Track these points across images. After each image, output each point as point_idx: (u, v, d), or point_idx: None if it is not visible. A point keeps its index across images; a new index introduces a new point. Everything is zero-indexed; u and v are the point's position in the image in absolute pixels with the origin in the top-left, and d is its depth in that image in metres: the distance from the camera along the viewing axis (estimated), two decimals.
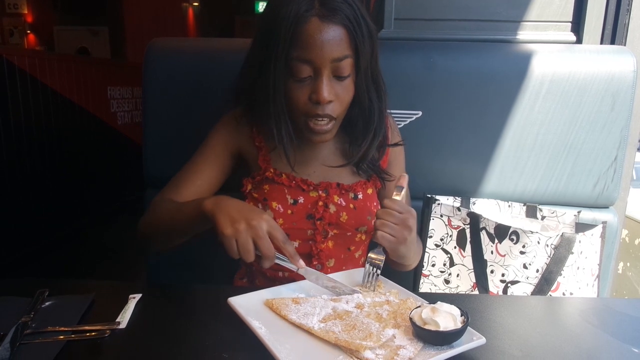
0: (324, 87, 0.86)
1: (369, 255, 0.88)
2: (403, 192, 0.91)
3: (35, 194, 3.34)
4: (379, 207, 1.05)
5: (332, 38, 0.84)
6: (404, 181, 0.94)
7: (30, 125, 3.28)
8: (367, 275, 0.87)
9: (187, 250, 1.29)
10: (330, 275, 0.87)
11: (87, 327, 0.73)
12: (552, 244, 1.10)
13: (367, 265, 0.87)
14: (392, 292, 0.83)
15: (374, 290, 0.86)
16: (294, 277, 0.99)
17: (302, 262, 0.82)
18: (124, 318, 0.76)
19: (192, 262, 1.31)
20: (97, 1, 6.83)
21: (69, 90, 3.73)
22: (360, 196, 1.02)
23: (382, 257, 0.87)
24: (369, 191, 1.04)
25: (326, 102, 0.88)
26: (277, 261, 0.80)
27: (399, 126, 1.26)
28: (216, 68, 1.24)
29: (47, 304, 0.80)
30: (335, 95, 0.89)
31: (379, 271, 0.87)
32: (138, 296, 0.83)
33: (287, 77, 0.88)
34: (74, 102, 3.80)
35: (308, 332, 0.71)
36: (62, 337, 0.71)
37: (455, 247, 1.24)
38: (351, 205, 1.00)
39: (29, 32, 6.88)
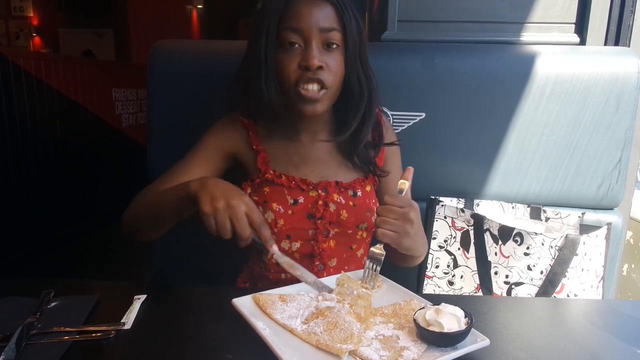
0: (313, 53, 0.90)
1: (370, 249, 0.89)
2: (407, 186, 0.91)
3: (40, 194, 3.36)
4: (378, 204, 1.06)
5: (321, 10, 0.91)
6: (409, 174, 0.93)
7: (36, 127, 3.30)
8: (366, 271, 0.88)
9: (191, 253, 1.30)
10: (325, 279, 0.89)
11: (92, 328, 0.74)
12: (556, 246, 1.10)
13: (367, 261, 0.88)
14: (356, 285, 0.84)
15: (373, 287, 0.86)
16: (294, 278, 1.00)
17: (275, 248, 0.84)
18: (129, 319, 0.76)
19: (195, 265, 1.31)
20: (102, 3, 6.85)
21: (74, 92, 3.75)
22: (359, 193, 1.02)
23: (383, 253, 0.88)
24: (368, 188, 1.05)
25: (315, 67, 0.91)
26: (253, 242, 0.82)
27: (403, 127, 1.26)
28: (220, 70, 1.25)
29: (52, 304, 0.81)
30: (324, 63, 0.92)
31: (378, 267, 0.88)
32: (143, 297, 0.84)
33: (278, 49, 0.93)
34: (79, 103, 3.81)
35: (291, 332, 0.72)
36: (67, 337, 0.71)
37: (459, 249, 1.23)
38: (350, 203, 1.01)
39: (34, 34, 6.91)
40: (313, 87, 0.92)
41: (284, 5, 0.90)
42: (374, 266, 0.88)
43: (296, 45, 0.91)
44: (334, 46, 0.93)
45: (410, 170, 0.94)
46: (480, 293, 1.18)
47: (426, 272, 1.26)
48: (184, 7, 7.26)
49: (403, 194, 0.90)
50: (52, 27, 6.92)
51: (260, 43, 0.92)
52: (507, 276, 1.14)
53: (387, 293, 0.86)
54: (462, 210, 1.21)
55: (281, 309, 0.77)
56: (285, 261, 0.86)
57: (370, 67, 1.01)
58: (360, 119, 1.00)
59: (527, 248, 1.11)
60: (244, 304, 0.77)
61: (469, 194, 1.30)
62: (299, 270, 0.86)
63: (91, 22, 6.86)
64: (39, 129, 3.33)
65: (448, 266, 1.25)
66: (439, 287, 1.26)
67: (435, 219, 1.26)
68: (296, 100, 0.94)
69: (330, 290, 0.84)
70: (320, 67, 0.91)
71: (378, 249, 0.88)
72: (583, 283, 1.13)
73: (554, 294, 1.11)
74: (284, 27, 0.91)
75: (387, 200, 0.88)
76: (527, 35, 1.41)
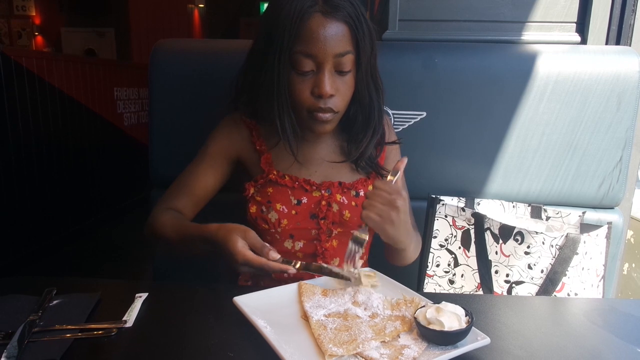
0: (326, 81, 0.89)
1: (353, 232, 0.88)
2: (398, 176, 0.91)
3: (42, 193, 3.37)
4: None
5: (335, 34, 0.87)
6: (401, 165, 0.92)
7: (38, 126, 3.31)
8: (349, 253, 0.87)
9: None
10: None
11: (94, 326, 0.74)
12: (556, 245, 1.10)
13: (350, 243, 0.87)
14: (414, 304, 0.79)
15: (354, 270, 0.86)
16: (300, 276, 1.00)
17: (292, 270, 0.84)
18: (131, 317, 0.77)
19: (197, 263, 1.31)
20: (104, 3, 6.86)
21: (75, 91, 3.75)
22: (362, 193, 1.03)
23: (366, 237, 0.87)
24: (370, 188, 1.04)
25: (328, 96, 0.90)
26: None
27: (404, 127, 1.27)
28: (221, 69, 1.25)
29: (54, 302, 0.81)
30: (336, 90, 0.91)
31: (360, 250, 0.87)
32: (144, 295, 0.84)
33: (290, 71, 0.90)
34: (80, 103, 3.82)
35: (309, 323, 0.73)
36: (69, 335, 0.72)
37: (459, 248, 1.23)
38: (353, 203, 1.01)
39: (36, 33, 6.92)
40: (325, 114, 0.93)
41: (298, 26, 0.86)
42: (356, 248, 0.87)
43: (309, 72, 0.90)
44: (347, 70, 0.91)
45: (404, 160, 0.93)
46: (480, 292, 1.18)
47: (427, 271, 1.26)
48: (185, 6, 7.27)
49: (393, 182, 0.89)
50: (54, 26, 6.94)
51: (273, 62, 0.90)
52: (507, 275, 1.14)
53: (387, 292, 0.86)
54: (463, 209, 1.21)
55: (315, 300, 0.79)
56: (312, 270, 0.87)
57: (379, 75, 0.99)
58: (370, 136, 1.01)
59: (528, 247, 1.11)
60: (245, 302, 0.78)
61: (470, 193, 1.30)
62: (331, 270, 0.86)
63: (93, 21, 6.88)
64: (40, 128, 3.34)
65: (449, 265, 1.25)
66: (439, 285, 1.26)
67: (436, 218, 1.26)
68: (307, 121, 0.95)
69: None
70: (332, 95, 0.91)
71: (361, 232, 0.88)
72: (583, 282, 1.13)
73: (555, 293, 1.11)
74: (297, 51, 0.88)
75: (377, 184, 0.87)
76: (528, 35, 1.41)
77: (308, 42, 0.87)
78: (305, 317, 0.76)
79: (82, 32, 6.95)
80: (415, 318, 0.70)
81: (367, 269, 0.93)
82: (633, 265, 1.79)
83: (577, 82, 1.22)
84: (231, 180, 1.07)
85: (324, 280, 0.88)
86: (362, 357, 0.65)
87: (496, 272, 1.16)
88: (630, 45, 1.38)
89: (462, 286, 1.23)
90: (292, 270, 0.83)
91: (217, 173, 1.04)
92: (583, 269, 1.12)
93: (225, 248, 0.82)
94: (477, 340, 0.67)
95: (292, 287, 0.86)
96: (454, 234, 1.24)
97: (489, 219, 1.17)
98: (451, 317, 0.68)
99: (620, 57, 1.23)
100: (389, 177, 0.91)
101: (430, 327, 0.68)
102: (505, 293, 1.14)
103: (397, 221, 0.87)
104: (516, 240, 1.12)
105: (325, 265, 0.88)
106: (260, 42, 0.95)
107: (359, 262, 0.88)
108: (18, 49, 5.39)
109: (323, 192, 1.00)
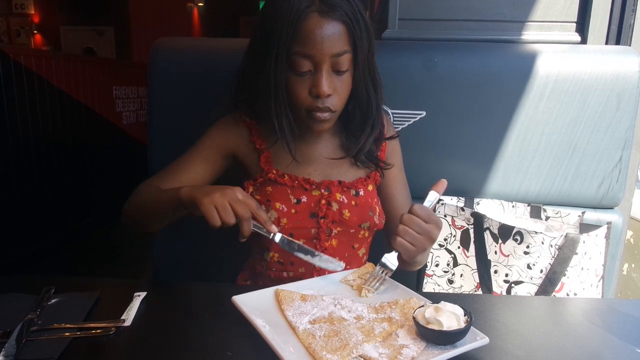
0: (323, 81, 0.89)
1: (385, 256, 0.87)
2: (435, 197, 0.89)
3: (41, 192, 3.36)
4: (379, 203, 1.06)
5: (332, 34, 0.87)
6: (441, 188, 0.90)
7: (37, 125, 3.30)
8: (374, 277, 0.86)
9: (192, 251, 1.30)
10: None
11: (92, 325, 0.74)
12: (556, 245, 1.10)
13: (378, 267, 0.87)
14: (398, 305, 0.79)
15: (374, 292, 0.84)
16: (299, 276, 1.00)
17: (274, 228, 0.86)
18: (129, 316, 0.77)
19: (196, 263, 1.31)
20: (103, 1, 6.86)
21: (74, 90, 3.75)
22: (361, 193, 1.03)
23: (396, 263, 0.86)
24: (370, 187, 1.05)
25: (325, 96, 0.90)
26: (253, 228, 0.84)
27: (403, 126, 1.27)
28: (221, 68, 1.25)
29: (53, 301, 0.81)
30: (334, 89, 0.91)
31: (388, 276, 0.86)
32: (143, 294, 0.84)
33: (288, 71, 0.91)
34: (79, 101, 3.82)
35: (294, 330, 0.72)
36: (67, 334, 0.72)
37: (459, 247, 1.23)
38: (353, 202, 1.01)
39: (35, 32, 6.91)
40: (323, 114, 0.93)
41: (295, 26, 0.86)
42: (384, 273, 0.86)
43: (307, 72, 0.90)
44: (344, 70, 0.91)
45: (444, 183, 0.91)
46: (480, 292, 1.18)
47: (426, 271, 1.26)
48: (184, 5, 7.27)
49: (430, 206, 0.88)
50: (53, 24, 6.92)
51: (270, 63, 0.90)
52: (506, 275, 1.14)
53: (387, 291, 0.86)
54: (462, 209, 1.21)
55: (297, 306, 0.78)
56: (287, 245, 0.89)
57: (377, 72, 0.99)
58: (369, 132, 1.01)
59: (527, 247, 1.11)
60: (243, 301, 0.78)
61: (469, 192, 1.30)
62: (309, 252, 0.89)
63: (92, 20, 6.87)
64: (40, 127, 3.33)
65: (448, 265, 1.25)
66: (438, 285, 1.26)
67: None
68: (306, 120, 0.95)
69: (339, 267, 0.87)
70: (330, 95, 0.91)
71: (392, 259, 0.86)
72: (583, 282, 1.13)
73: (554, 293, 1.11)
74: (295, 52, 0.87)
75: (415, 210, 0.85)
76: (528, 34, 1.41)
77: (305, 43, 0.87)
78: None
79: (82, 30, 6.94)
80: (414, 317, 0.70)
81: (369, 264, 0.94)
82: (632, 265, 1.79)
83: (577, 81, 1.22)
84: (230, 179, 1.07)
85: (301, 284, 0.87)
86: (361, 357, 0.65)
87: (495, 272, 1.16)
88: (630, 45, 1.37)
89: (461, 286, 1.23)
90: (274, 228, 0.86)
91: (209, 166, 1.03)
92: (582, 269, 1.12)
93: (221, 187, 0.83)
94: (476, 340, 0.67)
95: (294, 285, 0.86)
96: (453, 233, 1.24)
97: (489, 218, 1.17)
98: (450, 317, 0.68)
99: (620, 56, 1.23)
100: (425, 202, 0.89)
101: (429, 326, 0.68)
102: (504, 293, 1.14)
103: (428, 250, 0.86)
104: (515, 240, 1.12)
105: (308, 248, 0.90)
106: (257, 42, 0.95)
107: (380, 288, 0.86)
108: (17, 48, 5.38)
109: (323, 191, 1.00)
